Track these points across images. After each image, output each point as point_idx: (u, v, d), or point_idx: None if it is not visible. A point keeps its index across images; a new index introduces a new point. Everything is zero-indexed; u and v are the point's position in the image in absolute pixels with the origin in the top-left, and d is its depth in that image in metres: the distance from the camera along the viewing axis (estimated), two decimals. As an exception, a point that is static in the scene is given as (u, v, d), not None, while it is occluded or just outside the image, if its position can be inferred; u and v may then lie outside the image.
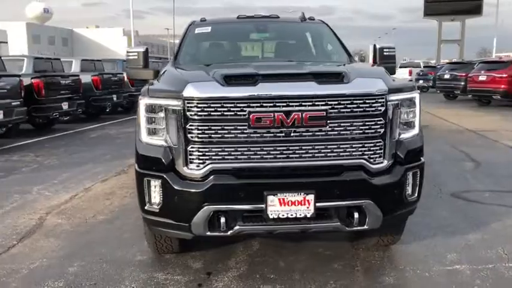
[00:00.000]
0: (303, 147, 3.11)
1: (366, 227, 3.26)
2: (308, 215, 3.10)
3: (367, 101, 3.12)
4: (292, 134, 3.08)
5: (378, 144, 3.19)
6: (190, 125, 3.09)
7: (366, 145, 3.16)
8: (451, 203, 5.43)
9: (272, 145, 3.09)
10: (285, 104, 3.04)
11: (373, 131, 3.16)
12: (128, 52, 4.70)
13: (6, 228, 4.76)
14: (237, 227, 3.16)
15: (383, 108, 3.16)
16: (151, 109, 3.24)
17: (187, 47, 4.88)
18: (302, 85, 3.12)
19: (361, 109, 3.12)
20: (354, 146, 3.15)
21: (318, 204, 3.11)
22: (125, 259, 3.93)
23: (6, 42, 42.00)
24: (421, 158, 3.48)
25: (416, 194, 3.44)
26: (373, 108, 3.14)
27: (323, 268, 3.71)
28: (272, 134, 3.07)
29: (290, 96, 3.05)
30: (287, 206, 3.08)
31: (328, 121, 3.09)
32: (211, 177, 3.10)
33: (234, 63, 4.35)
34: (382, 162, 3.22)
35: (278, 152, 3.10)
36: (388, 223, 3.49)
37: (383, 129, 3.18)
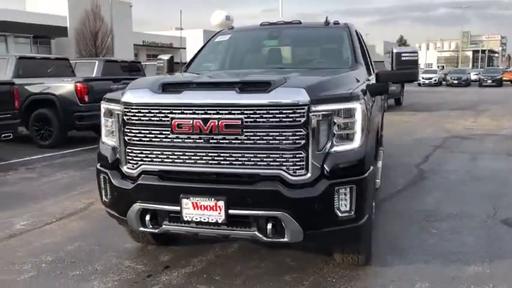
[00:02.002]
0: (221, 154, 3.18)
1: (286, 239, 3.19)
2: (219, 221, 3.17)
3: (283, 112, 3.06)
4: (210, 141, 3.18)
5: (298, 155, 3.10)
6: (127, 128, 3.40)
7: (284, 156, 3.10)
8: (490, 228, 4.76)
9: (193, 151, 3.23)
10: (203, 112, 3.16)
11: (291, 141, 3.08)
12: (157, 60, 5.21)
13: (59, 208, 5.65)
14: (163, 226, 3.38)
15: (303, 119, 3.06)
16: (106, 113, 3.64)
17: (203, 54, 5.20)
18: (222, 94, 3.20)
19: (278, 119, 3.07)
20: (271, 156, 3.11)
21: (230, 211, 3.15)
22: (115, 245, 4.41)
23: (185, 48, 47.08)
24: (362, 173, 3.24)
25: (353, 212, 3.23)
26: (291, 119, 3.06)
27: (271, 277, 3.69)
28: (192, 140, 3.22)
29: (208, 104, 3.16)
30: (200, 210, 3.19)
31: (244, 130, 3.11)
32: (141, 177, 3.38)
33: (224, 71, 4.52)
34: (304, 175, 3.11)
35: (198, 158, 3.23)
36: (319, 239, 3.36)
37: (304, 141, 3.07)
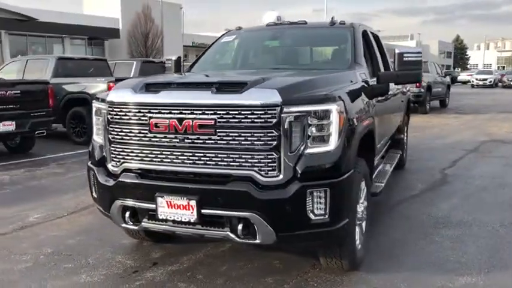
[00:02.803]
0: (196, 154, 3.21)
1: (257, 241, 3.18)
2: (192, 220, 3.20)
3: (255, 112, 3.05)
4: (185, 141, 3.21)
5: (269, 156, 3.07)
6: (111, 127, 3.49)
7: (256, 157, 3.09)
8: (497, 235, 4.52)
9: (169, 150, 3.28)
10: (178, 112, 3.20)
11: (263, 142, 3.06)
12: (166, 60, 5.33)
13: (74, 202, 5.87)
14: (143, 223, 3.45)
15: (275, 120, 3.03)
16: (96, 111, 3.76)
17: (209, 54, 5.25)
18: (197, 94, 3.23)
19: (250, 120, 3.06)
20: (243, 156, 3.11)
21: (203, 210, 3.17)
22: (113, 241, 4.53)
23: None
24: (337, 176, 3.17)
25: (327, 216, 3.16)
26: (263, 120, 3.04)
27: (254, 279, 3.68)
28: (168, 140, 3.26)
29: (183, 104, 3.20)
30: (174, 209, 3.23)
31: (218, 130, 3.12)
32: (122, 175, 3.46)
33: (221, 71, 4.54)
34: (276, 176, 3.08)
35: (174, 157, 3.27)
36: (293, 242, 3.33)
37: (276, 142, 3.05)
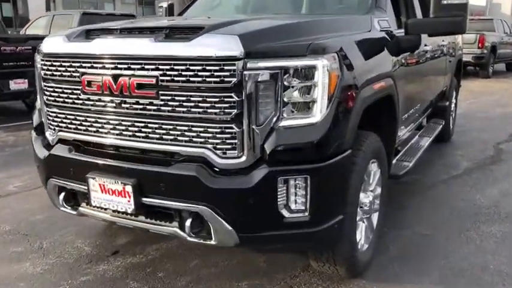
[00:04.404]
0: (136, 124, 2.42)
1: (213, 242, 2.38)
2: (129, 211, 2.44)
3: (208, 68, 2.19)
4: (123, 105, 2.42)
5: (228, 130, 2.23)
6: (45, 85, 2.77)
7: (210, 130, 2.25)
8: None
9: (105, 117, 2.51)
10: (113, 66, 2.40)
11: (218, 111, 2.22)
12: (159, 7, 4.53)
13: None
14: (80, 209, 2.74)
15: (234, 80, 2.17)
16: (36, 66, 3.01)
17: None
18: (136, 42, 2.39)
19: (201, 79, 2.21)
20: (193, 129, 2.28)
21: (143, 199, 2.40)
22: (82, 220, 3.86)
23: None
24: (323, 160, 2.29)
25: (308, 213, 2.30)
26: (217, 79, 2.19)
27: (224, 282, 2.92)
28: (103, 103, 2.48)
29: (118, 56, 2.40)
30: (108, 195, 2.48)
31: (161, 92, 2.30)
32: (55, 146, 2.74)
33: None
34: (237, 157, 2.24)
35: (111, 127, 2.50)
36: (264, 245, 2.50)
37: (236, 110, 2.19)
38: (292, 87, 2.23)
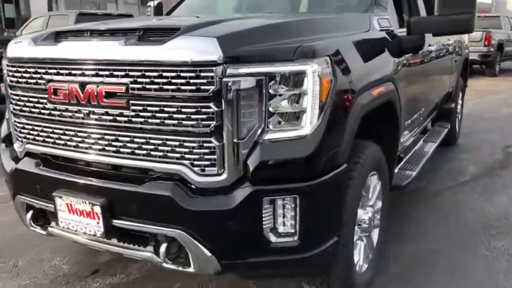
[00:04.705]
0: (105, 137, 2.17)
1: (191, 269, 2.13)
2: (98, 234, 2.19)
3: (183, 75, 1.94)
4: (91, 116, 2.17)
5: (206, 144, 1.97)
6: (11, 93, 2.52)
7: (186, 144, 2.00)
8: None
9: (73, 129, 2.26)
10: (80, 72, 2.15)
11: (195, 123, 1.96)
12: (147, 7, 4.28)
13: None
14: (49, 229, 2.50)
15: (213, 88, 1.91)
16: (3, 72, 2.77)
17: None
18: (105, 46, 2.14)
19: (175, 87, 1.96)
20: (168, 143, 2.03)
21: (114, 221, 2.15)
22: (64, 233, 3.65)
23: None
24: (314, 177, 2.03)
25: (297, 237, 2.05)
26: (194, 87, 1.93)
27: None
28: (71, 114, 2.23)
29: (85, 61, 2.14)
30: (76, 216, 2.23)
31: (132, 102, 2.05)
32: (22, 160, 2.49)
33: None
34: (217, 175, 1.99)
35: (79, 140, 2.25)
36: (250, 272, 2.24)
37: (216, 122, 1.94)
38: (279, 95, 1.97)
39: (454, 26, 2.97)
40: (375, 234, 2.86)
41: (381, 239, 2.93)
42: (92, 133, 2.19)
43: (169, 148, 2.02)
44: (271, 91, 1.95)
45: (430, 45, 3.76)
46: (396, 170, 3.46)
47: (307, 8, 3.61)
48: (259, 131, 1.97)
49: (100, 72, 2.09)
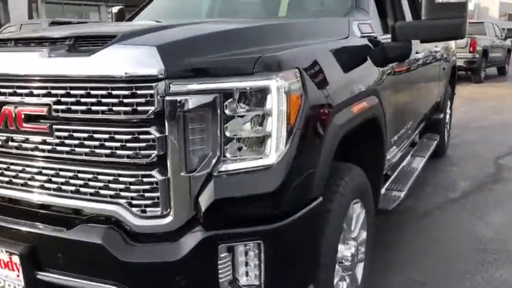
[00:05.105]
0: (27, 170, 1.77)
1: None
2: (19, 288, 1.78)
3: (114, 93, 1.55)
4: (10, 144, 1.77)
5: (146, 179, 1.59)
6: None
7: (121, 179, 1.61)
8: None
9: (-7, 158, 1.85)
10: (-5, 90, 1.75)
11: (131, 152, 1.58)
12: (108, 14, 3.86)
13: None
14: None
15: (152, 109, 1.53)
16: None
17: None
18: (26, 58, 1.75)
19: (105, 108, 1.57)
20: (99, 177, 1.64)
21: (38, 273, 1.75)
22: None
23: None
24: (284, 215, 1.65)
25: (264, 290, 1.66)
26: (128, 108, 1.55)
27: None
28: (-11, 141, 1.83)
29: (1, 77, 1.74)
30: (-5, 265, 1.82)
31: (55, 126, 1.66)
32: None
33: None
34: (161, 217, 1.60)
35: (0, 172, 1.84)
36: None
37: (157, 151, 1.55)
38: (238, 117, 1.59)
39: (444, 31, 2.62)
40: (359, 269, 2.48)
41: (367, 275, 2.56)
42: (11, 164, 1.79)
43: (101, 184, 1.63)
44: (227, 112, 1.58)
45: (417, 53, 3.42)
46: (383, 191, 3.11)
47: (282, 12, 3.24)
48: (214, 161, 1.59)
49: (18, 91, 1.70)
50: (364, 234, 2.50)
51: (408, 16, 3.44)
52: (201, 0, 3.79)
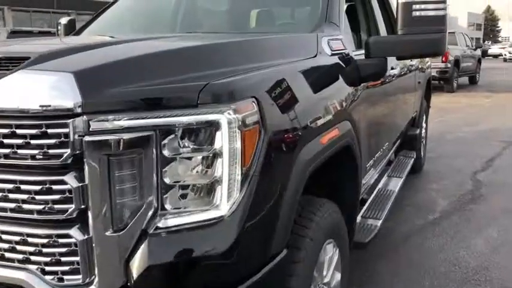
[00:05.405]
0: None
1: None
2: None
3: (19, 132, 1.22)
4: None
5: (62, 241, 1.25)
6: None
7: (31, 240, 1.27)
8: None
9: None
10: None
11: (42, 207, 1.24)
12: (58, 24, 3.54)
13: None
14: None
15: (67, 152, 1.20)
16: None
17: (113, 10, 3.37)
18: None
19: (8, 151, 1.24)
20: (4, 238, 1.31)
21: None
22: None
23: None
24: (242, 278, 1.34)
25: None
26: (37, 151, 1.22)
27: None
28: None
29: None
30: None
31: (-50, 172, 1.30)
32: None
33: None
34: (83, 286, 1.27)
35: None
36: None
37: (75, 205, 1.23)
38: (180, 159, 1.27)
39: (422, 47, 2.37)
40: (333, 318, 2.18)
41: (341, 322, 2.26)
42: None
43: (6, 245, 1.29)
44: (165, 153, 1.26)
45: (392, 68, 3.17)
46: (358, 219, 2.83)
47: (246, 27, 2.94)
48: (149, 215, 1.27)
49: None
50: (338, 276, 2.20)
51: (383, 30, 3.18)
52: (160, 12, 3.47)
